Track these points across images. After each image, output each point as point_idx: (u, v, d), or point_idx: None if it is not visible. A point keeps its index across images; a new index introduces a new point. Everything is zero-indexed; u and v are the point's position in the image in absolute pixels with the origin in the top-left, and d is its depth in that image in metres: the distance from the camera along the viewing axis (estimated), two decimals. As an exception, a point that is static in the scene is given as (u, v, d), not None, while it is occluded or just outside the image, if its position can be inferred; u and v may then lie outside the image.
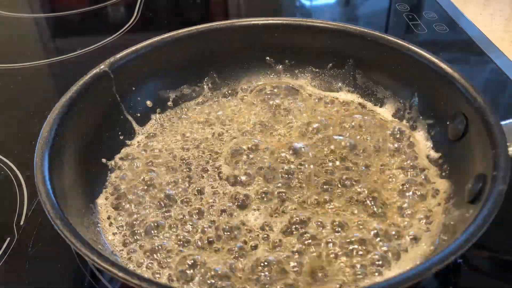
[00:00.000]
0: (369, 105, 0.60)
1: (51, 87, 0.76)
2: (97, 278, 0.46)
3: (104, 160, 0.53)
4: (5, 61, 0.77)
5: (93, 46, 0.80)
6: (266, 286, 0.40)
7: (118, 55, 0.55)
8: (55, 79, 0.78)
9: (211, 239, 0.45)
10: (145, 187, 0.50)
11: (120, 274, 0.34)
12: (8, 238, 0.50)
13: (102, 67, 0.54)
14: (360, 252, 0.43)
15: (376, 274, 0.41)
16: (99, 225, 0.46)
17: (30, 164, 0.57)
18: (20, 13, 0.93)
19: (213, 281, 0.41)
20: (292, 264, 0.42)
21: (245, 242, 0.45)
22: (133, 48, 0.57)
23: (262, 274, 0.41)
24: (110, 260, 0.36)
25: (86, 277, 0.46)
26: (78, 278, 0.46)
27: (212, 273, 0.41)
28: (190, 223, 0.46)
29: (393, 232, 0.45)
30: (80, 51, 0.79)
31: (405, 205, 0.47)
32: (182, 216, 0.47)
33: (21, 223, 0.51)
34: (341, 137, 0.54)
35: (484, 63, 0.74)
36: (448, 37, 0.82)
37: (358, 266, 0.42)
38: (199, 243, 0.45)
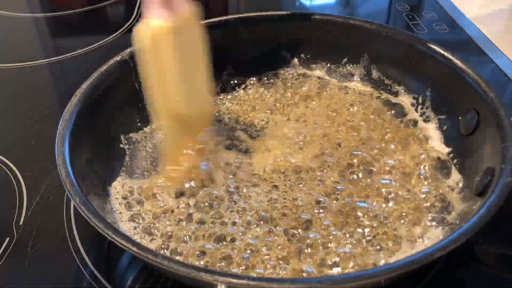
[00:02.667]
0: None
1: (51, 87, 0.76)
2: (97, 278, 0.46)
3: (122, 145, 0.54)
4: (4, 61, 0.77)
5: (92, 46, 0.80)
6: None
7: None
8: (54, 79, 0.78)
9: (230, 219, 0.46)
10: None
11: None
12: (8, 238, 0.50)
13: (123, 56, 0.55)
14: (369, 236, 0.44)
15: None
16: (114, 209, 0.48)
17: (29, 164, 0.58)
18: (19, 13, 0.92)
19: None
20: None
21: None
22: None
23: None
24: (149, 249, 0.37)
25: (86, 277, 0.46)
26: (78, 278, 0.46)
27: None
28: (207, 206, 0.48)
29: (396, 230, 0.45)
30: (79, 51, 0.79)
31: (413, 199, 0.48)
32: (198, 200, 0.49)
33: (21, 223, 0.51)
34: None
35: (484, 63, 0.74)
36: (448, 37, 0.82)
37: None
38: (218, 225, 0.46)
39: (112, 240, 0.37)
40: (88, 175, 0.47)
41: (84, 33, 0.88)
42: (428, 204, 0.47)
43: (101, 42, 0.81)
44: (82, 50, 0.79)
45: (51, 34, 0.90)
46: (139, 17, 0.89)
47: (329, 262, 0.42)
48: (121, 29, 0.85)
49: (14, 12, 0.92)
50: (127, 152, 0.55)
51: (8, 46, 0.84)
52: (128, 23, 0.87)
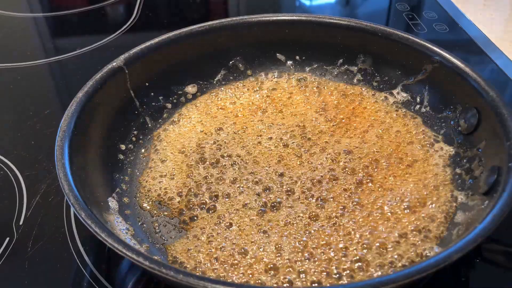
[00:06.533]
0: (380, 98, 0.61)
1: (51, 87, 0.76)
2: (97, 278, 0.46)
3: (120, 156, 0.54)
4: (4, 61, 0.77)
5: (92, 46, 0.80)
6: None
7: (133, 51, 0.56)
8: (54, 78, 0.78)
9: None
10: (160, 182, 0.52)
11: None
12: (8, 238, 0.50)
13: (117, 62, 0.54)
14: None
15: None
16: (113, 220, 0.47)
17: (29, 164, 0.58)
18: (19, 13, 0.92)
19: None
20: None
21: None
22: (147, 43, 0.57)
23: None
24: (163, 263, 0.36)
25: (86, 277, 0.46)
26: (78, 278, 0.46)
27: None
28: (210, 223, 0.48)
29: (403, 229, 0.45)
30: (79, 51, 0.79)
31: (416, 200, 0.48)
32: (201, 214, 0.49)
33: (21, 223, 0.51)
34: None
35: (484, 63, 0.74)
36: (448, 37, 0.82)
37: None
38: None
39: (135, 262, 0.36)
40: (89, 186, 0.46)
41: (84, 33, 0.88)
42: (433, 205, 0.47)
43: (101, 42, 0.81)
44: (82, 50, 0.79)
45: (51, 34, 0.90)
46: (139, 17, 0.89)
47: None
48: (121, 29, 0.85)
49: (14, 12, 0.92)
50: (126, 162, 0.54)
51: (8, 46, 0.84)
52: (128, 23, 0.87)
